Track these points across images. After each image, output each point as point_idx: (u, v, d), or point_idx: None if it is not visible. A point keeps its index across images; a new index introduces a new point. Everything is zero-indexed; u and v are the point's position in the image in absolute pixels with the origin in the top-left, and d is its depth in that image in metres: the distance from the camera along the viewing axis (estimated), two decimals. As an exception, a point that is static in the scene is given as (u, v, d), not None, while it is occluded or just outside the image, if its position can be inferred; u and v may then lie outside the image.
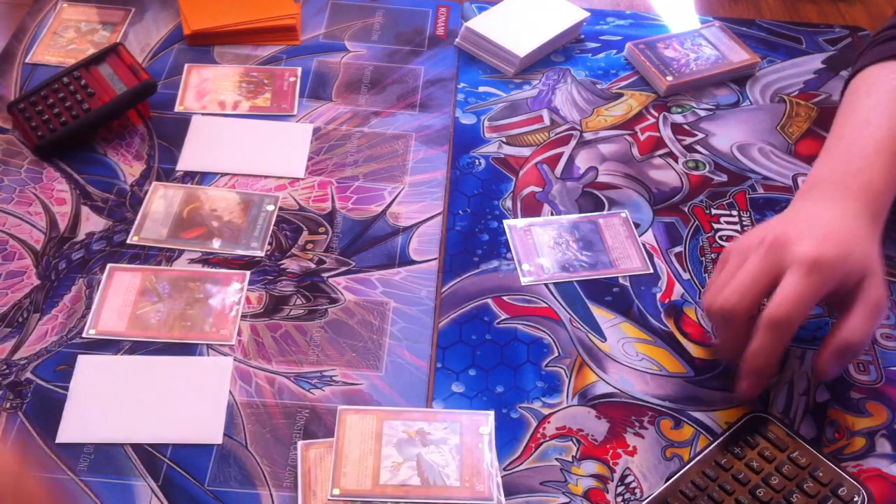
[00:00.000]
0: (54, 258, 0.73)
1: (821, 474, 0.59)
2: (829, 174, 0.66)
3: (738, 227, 0.77)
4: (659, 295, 0.72)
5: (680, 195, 0.80)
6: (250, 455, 0.61)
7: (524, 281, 0.73)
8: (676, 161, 0.83)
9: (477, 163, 0.83)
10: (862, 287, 0.60)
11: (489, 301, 0.72)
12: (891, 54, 0.72)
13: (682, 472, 0.60)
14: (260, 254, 0.74)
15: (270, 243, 0.75)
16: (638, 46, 0.93)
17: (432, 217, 0.78)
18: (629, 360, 0.68)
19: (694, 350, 0.69)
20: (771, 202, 0.80)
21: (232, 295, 0.71)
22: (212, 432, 0.62)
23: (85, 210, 0.76)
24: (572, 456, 0.62)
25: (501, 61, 0.92)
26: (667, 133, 0.86)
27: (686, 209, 0.79)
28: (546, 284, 0.73)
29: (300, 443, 0.62)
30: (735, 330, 0.61)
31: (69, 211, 0.76)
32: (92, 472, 0.60)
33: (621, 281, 0.73)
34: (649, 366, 0.68)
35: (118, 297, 0.70)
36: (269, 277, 0.72)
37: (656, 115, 0.88)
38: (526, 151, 0.84)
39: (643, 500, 0.60)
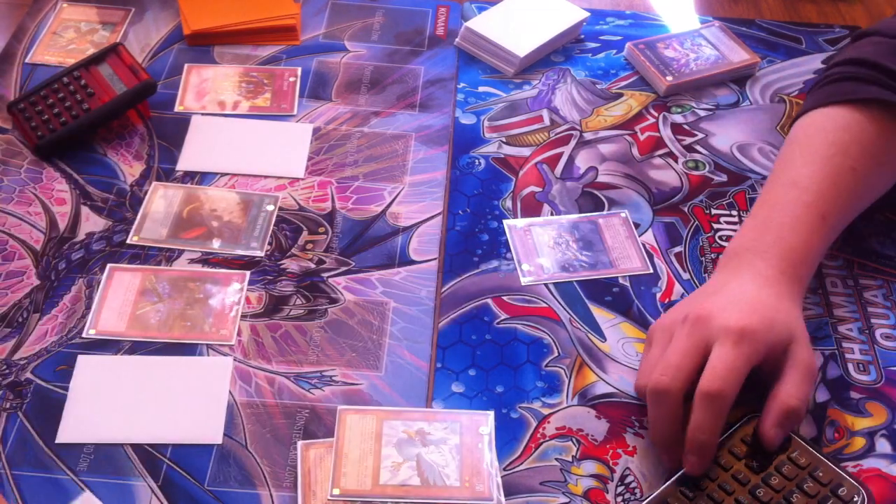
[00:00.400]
0: (54, 258, 0.73)
1: (820, 474, 0.59)
2: (750, 242, 0.66)
3: (738, 227, 0.77)
4: (659, 295, 0.72)
5: (680, 195, 0.80)
6: (250, 455, 0.61)
7: (524, 281, 0.73)
8: (676, 161, 0.83)
9: (477, 163, 0.83)
10: (790, 353, 0.60)
11: (489, 301, 0.72)
12: (837, 98, 0.70)
13: (682, 472, 0.60)
14: (260, 254, 0.74)
15: (270, 243, 0.75)
16: (638, 46, 0.93)
17: (432, 217, 0.78)
18: (629, 360, 0.68)
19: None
20: (771, 202, 0.80)
21: (232, 295, 0.71)
22: (212, 432, 0.62)
23: (85, 210, 0.76)
24: (572, 456, 0.62)
25: (501, 61, 0.92)
26: (667, 133, 0.86)
27: (686, 209, 0.79)
28: (546, 284, 0.73)
29: (300, 443, 0.62)
30: (669, 409, 0.59)
31: (69, 211, 0.76)
32: (92, 472, 0.60)
33: (621, 281, 0.73)
34: (649, 366, 0.68)
35: (118, 297, 0.70)
36: (269, 277, 0.72)
37: (656, 115, 0.88)
38: (526, 151, 0.84)
39: (643, 501, 0.60)
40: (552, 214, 0.78)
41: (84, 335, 0.67)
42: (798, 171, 0.67)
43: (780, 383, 0.60)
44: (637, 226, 0.77)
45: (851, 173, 0.67)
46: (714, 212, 0.79)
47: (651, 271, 0.74)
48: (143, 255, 0.73)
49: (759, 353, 0.59)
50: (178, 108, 0.86)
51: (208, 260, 0.73)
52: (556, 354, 0.68)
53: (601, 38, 0.97)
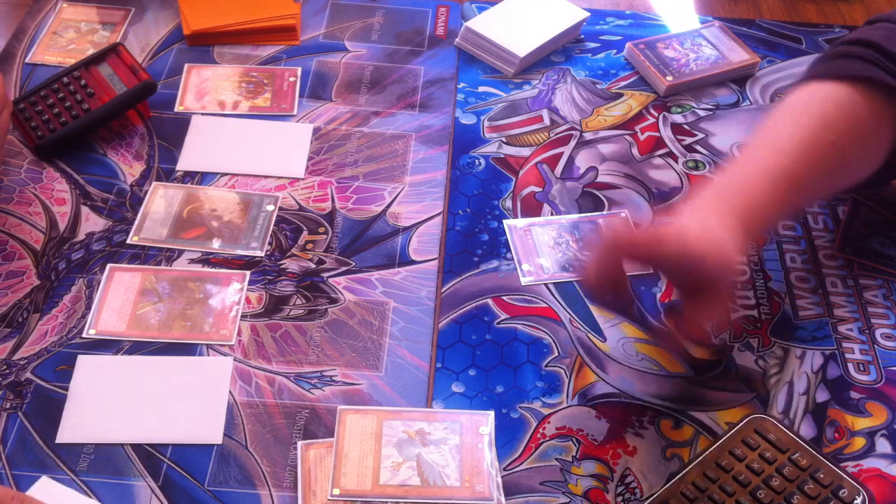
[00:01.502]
0: (54, 258, 0.73)
1: (821, 476, 0.59)
2: (717, 188, 0.66)
3: (738, 228, 0.77)
4: (659, 295, 0.72)
5: (680, 195, 0.80)
6: (250, 455, 0.61)
7: (524, 281, 0.73)
8: (676, 161, 0.83)
9: (477, 163, 0.83)
10: (716, 286, 0.61)
11: (489, 301, 0.71)
12: (834, 73, 0.70)
13: (682, 473, 0.60)
14: (260, 254, 0.74)
15: (270, 243, 0.75)
16: (638, 46, 0.93)
17: (432, 217, 0.78)
18: (629, 360, 0.68)
19: (694, 350, 0.68)
20: (771, 202, 0.80)
21: (232, 295, 0.71)
22: (212, 432, 0.62)
23: (85, 210, 0.76)
24: (572, 456, 0.62)
25: (501, 61, 0.92)
26: (667, 133, 0.86)
27: (686, 209, 0.79)
28: (546, 284, 0.73)
29: (300, 443, 0.62)
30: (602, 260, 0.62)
31: (69, 211, 0.76)
32: (92, 472, 0.60)
33: (621, 281, 0.73)
34: (649, 366, 0.68)
35: (118, 298, 0.70)
36: (269, 277, 0.72)
37: (656, 115, 0.88)
38: (526, 151, 0.84)
39: (643, 501, 0.60)
40: (552, 214, 0.78)
41: (84, 335, 0.67)
42: (779, 134, 0.67)
43: (705, 300, 0.62)
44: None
45: (831, 147, 0.66)
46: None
47: (651, 271, 0.74)
48: (143, 255, 0.73)
49: (688, 274, 0.61)
50: (178, 108, 0.86)
51: (208, 260, 0.73)
52: (556, 354, 0.68)
53: (601, 38, 0.97)
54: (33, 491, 0.58)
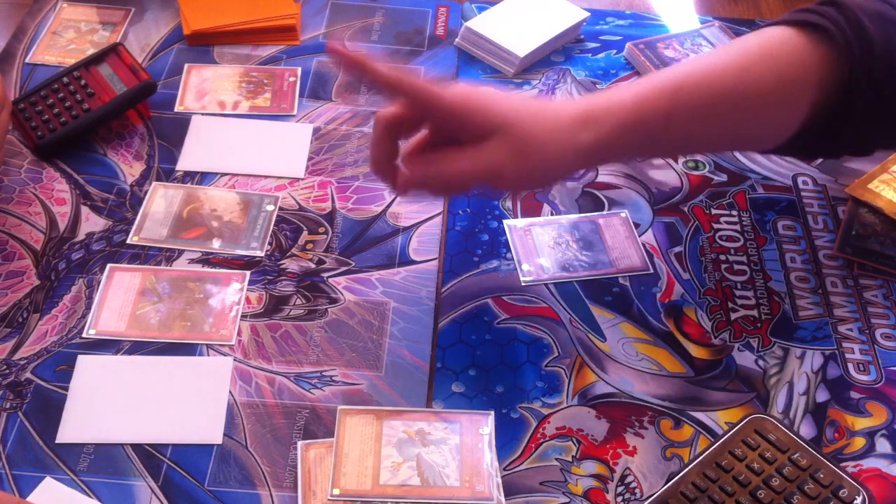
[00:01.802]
0: (54, 258, 0.73)
1: (821, 476, 0.59)
2: (595, 94, 0.62)
3: (738, 228, 0.77)
4: (659, 295, 0.72)
5: (680, 195, 0.80)
6: (250, 455, 0.61)
7: (524, 281, 0.73)
8: (676, 161, 0.83)
9: (477, 163, 0.82)
10: (492, 139, 0.56)
11: (489, 301, 0.72)
12: (791, 19, 0.64)
13: (682, 473, 0.60)
14: (260, 254, 0.74)
15: (270, 243, 0.75)
16: (638, 46, 0.93)
17: (432, 217, 0.78)
18: (629, 360, 0.68)
19: (694, 350, 0.69)
20: (771, 202, 0.80)
21: (232, 295, 0.71)
22: (212, 432, 0.62)
23: (85, 210, 0.76)
24: (572, 456, 0.62)
25: (501, 61, 0.92)
26: (667, 133, 0.86)
27: (686, 209, 0.79)
28: (546, 284, 0.73)
29: (300, 443, 0.62)
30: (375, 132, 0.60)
31: (69, 211, 0.76)
32: (92, 473, 0.60)
33: (621, 281, 0.73)
34: (649, 366, 0.68)
35: (118, 298, 0.70)
36: (269, 277, 0.72)
37: (656, 115, 0.88)
38: (526, 151, 0.84)
39: (643, 501, 0.60)
40: (552, 214, 0.78)
41: (84, 335, 0.67)
42: (698, 58, 0.63)
43: (460, 153, 0.57)
44: (637, 226, 0.77)
45: (739, 72, 0.60)
46: (714, 212, 0.79)
47: (651, 271, 0.74)
48: (143, 255, 0.73)
49: (451, 111, 0.57)
50: (178, 108, 0.86)
51: (208, 260, 0.73)
52: (556, 354, 0.68)
53: (601, 38, 0.97)
54: (37, 492, 0.58)
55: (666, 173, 0.82)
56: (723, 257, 0.75)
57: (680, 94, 0.59)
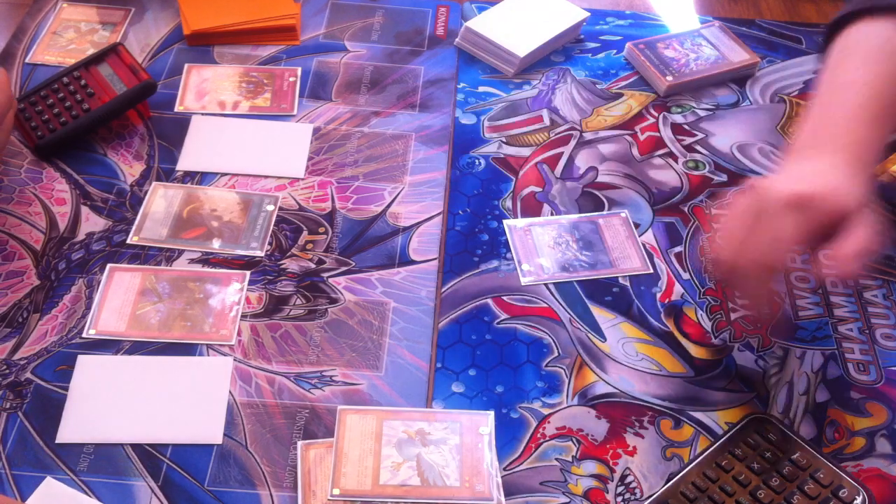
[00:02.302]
0: (54, 258, 0.73)
1: (821, 476, 0.59)
2: (807, 141, 0.65)
3: (738, 228, 0.77)
4: (659, 295, 0.72)
5: (680, 195, 0.80)
6: (250, 455, 0.61)
7: (524, 281, 0.73)
8: (676, 161, 0.83)
9: (477, 163, 0.83)
10: (850, 222, 0.59)
11: (489, 301, 0.71)
12: (872, 5, 0.70)
13: (682, 473, 0.60)
14: (260, 254, 0.74)
15: (270, 243, 0.75)
16: (638, 46, 0.93)
17: (432, 217, 0.78)
18: (629, 360, 0.68)
19: (694, 350, 0.69)
20: (771, 202, 0.80)
21: (232, 295, 0.71)
22: (212, 432, 0.62)
23: (85, 210, 0.76)
24: (572, 456, 0.62)
25: (501, 61, 0.92)
26: (667, 133, 0.86)
27: (686, 209, 0.79)
28: (546, 284, 0.73)
29: (300, 443, 0.62)
30: (728, 273, 0.61)
31: (69, 211, 0.76)
32: (92, 472, 0.60)
33: (621, 281, 0.73)
34: (649, 366, 0.68)
35: (118, 297, 0.70)
36: (269, 277, 0.72)
37: (656, 115, 0.88)
38: (526, 151, 0.84)
39: (643, 501, 0.60)
40: (552, 214, 0.78)
41: (84, 335, 0.67)
42: (850, 74, 0.68)
43: (847, 234, 0.59)
44: (637, 226, 0.77)
45: None
46: (714, 212, 0.79)
47: (651, 271, 0.74)
48: (143, 255, 0.73)
49: (813, 220, 0.59)
50: (178, 108, 0.86)
51: (208, 260, 0.73)
52: (556, 354, 0.68)
53: (601, 38, 0.97)
54: (37, 492, 0.58)
55: (666, 173, 0.82)
56: (723, 257, 0.75)
57: (879, 122, 0.65)
